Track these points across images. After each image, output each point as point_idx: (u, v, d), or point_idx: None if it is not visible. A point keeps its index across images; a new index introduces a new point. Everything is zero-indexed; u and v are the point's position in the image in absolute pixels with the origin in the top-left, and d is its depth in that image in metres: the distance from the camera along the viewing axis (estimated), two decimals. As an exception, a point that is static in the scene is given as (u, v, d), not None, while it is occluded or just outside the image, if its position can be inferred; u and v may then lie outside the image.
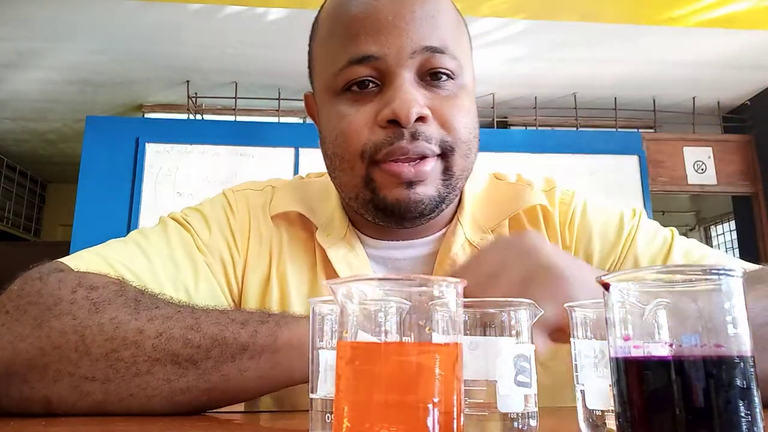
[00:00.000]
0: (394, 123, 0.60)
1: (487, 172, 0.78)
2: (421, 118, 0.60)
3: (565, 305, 0.41)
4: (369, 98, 0.62)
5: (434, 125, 0.61)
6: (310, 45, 0.70)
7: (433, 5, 0.63)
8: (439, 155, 0.62)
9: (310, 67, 0.71)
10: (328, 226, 0.70)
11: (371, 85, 0.62)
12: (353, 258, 0.68)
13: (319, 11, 0.70)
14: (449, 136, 0.62)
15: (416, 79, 0.61)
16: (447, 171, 0.63)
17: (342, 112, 0.63)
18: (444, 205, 0.65)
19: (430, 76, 0.62)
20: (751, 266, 0.65)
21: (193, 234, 0.68)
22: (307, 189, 0.75)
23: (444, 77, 0.62)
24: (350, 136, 0.62)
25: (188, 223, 0.69)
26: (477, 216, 0.72)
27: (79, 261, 0.59)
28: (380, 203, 0.63)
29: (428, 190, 0.62)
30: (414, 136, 0.60)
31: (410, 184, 0.61)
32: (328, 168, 0.68)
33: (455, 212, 0.72)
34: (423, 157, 0.61)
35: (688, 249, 0.71)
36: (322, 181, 0.77)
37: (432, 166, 0.61)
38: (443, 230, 0.71)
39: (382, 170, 0.61)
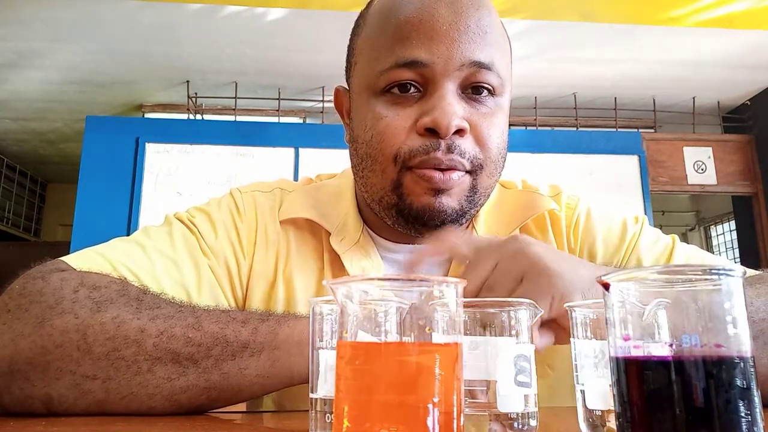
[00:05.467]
0: (432, 132, 0.60)
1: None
2: (458, 131, 0.60)
3: (565, 305, 0.41)
4: (409, 103, 0.62)
5: (470, 140, 0.61)
6: (352, 39, 0.69)
7: (487, 21, 0.62)
8: (468, 171, 0.62)
9: (348, 62, 0.70)
10: (342, 230, 0.70)
11: (412, 89, 0.61)
12: (367, 263, 0.68)
13: (367, 7, 0.69)
14: (482, 153, 0.62)
15: (458, 91, 0.61)
16: (473, 188, 0.63)
17: (380, 113, 0.62)
18: (464, 219, 0.65)
19: (472, 90, 0.62)
20: (752, 272, 0.65)
21: (198, 237, 0.67)
22: (318, 193, 0.74)
23: (485, 93, 0.62)
24: (386, 139, 0.61)
25: (194, 224, 0.68)
26: (491, 224, 0.72)
27: (80, 260, 0.59)
28: (405, 209, 0.63)
29: (452, 202, 0.62)
30: (450, 149, 0.60)
31: (437, 192, 0.61)
32: (355, 167, 0.68)
33: (471, 221, 0.72)
34: (453, 169, 0.61)
35: (689, 254, 0.72)
36: (334, 183, 0.76)
37: (460, 177, 0.61)
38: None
39: (413, 174, 0.61)
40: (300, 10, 2.88)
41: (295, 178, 3.14)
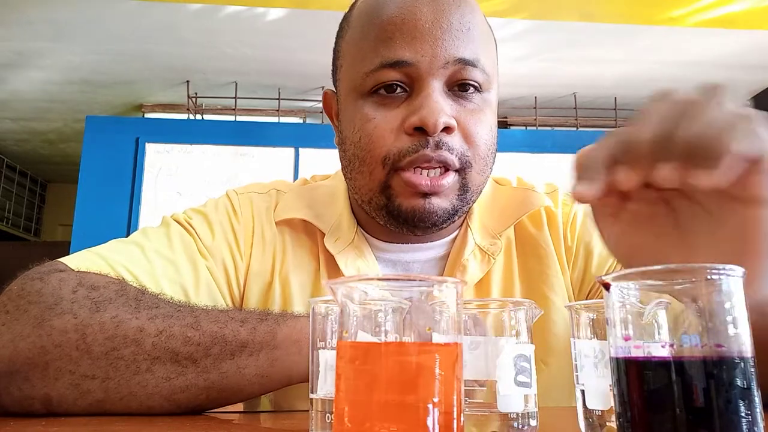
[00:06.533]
0: (420, 131, 0.60)
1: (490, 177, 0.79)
2: (446, 129, 0.60)
3: (565, 305, 0.41)
4: (396, 103, 0.62)
5: (458, 137, 0.61)
6: (337, 43, 0.70)
7: (470, 18, 0.63)
8: (457, 170, 0.62)
9: (335, 64, 0.70)
10: (336, 231, 0.70)
11: (399, 89, 0.62)
12: (362, 263, 0.68)
13: (350, 10, 0.69)
14: (470, 150, 0.62)
15: (445, 89, 0.61)
16: (463, 186, 0.63)
17: (367, 114, 0.62)
18: (456, 217, 0.65)
19: (459, 87, 0.62)
20: None
21: (196, 237, 0.68)
22: (312, 194, 0.75)
23: (472, 89, 0.62)
24: (375, 141, 0.61)
25: (191, 225, 0.69)
26: (485, 221, 0.72)
27: (79, 261, 0.59)
28: (394, 210, 0.63)
29: (443, 203, 0.62)
30: (438, 146, 0.60)
31: (426, 195, 0.61)
32: (344, 169, 0.68)
33: (465, 218, 0.72)
34: (443, 168, 0.61)
35: None
36: (328, 184, 0.77)
37: (449, 181, 0.61)
38: (453, 234, 0.72)
39: (401, 178, 0.61)
40: (300, 10, 2.88)
41: (295, 179, 3.14)
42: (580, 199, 0.36)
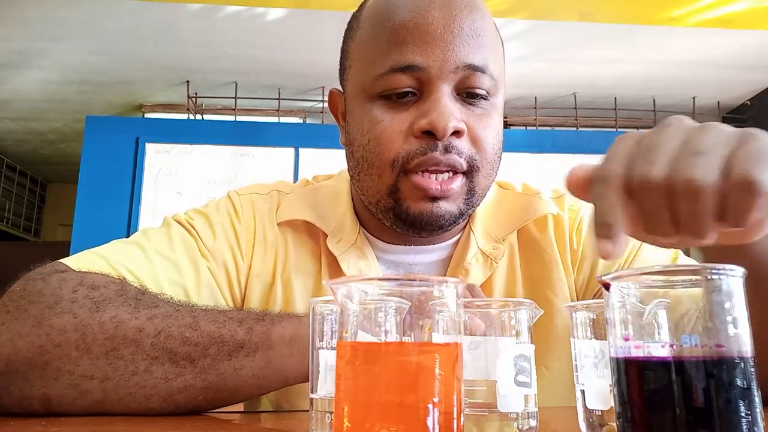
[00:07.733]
0: (429, 134, 0.60)
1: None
2: (455, 133, 0.60)
3: (565, 306, 0.41)
4: (405, 106, 0.62)
5: (466, 141, 0.62)
6: (345, 42, 0.70)
7: (480, 24, 0.63)
8: (464, 173, 0.62)
9: (342, 65, 0.70)
10: (339, 232, 0.70)
11: (409, 93, 0.62)
12: (364, 264, 0.68)
13: (360, 9, 0.69)
14: (478, 154, 0.63)
15: (453, 93, 0.62)
16: (470, 191, 0.63)
17: (376, 117, 0.62)
18: (461, 220, 0.65)
19: (467, 92, 0.62)
20: None
21: (197, 238, 0.68)
22: (315, 195, 0.75)
23: (480, 95, 0.63)
24: (384, 144, 0.62)
25: (193, 227, 0.69)
26: (488, 226, 0.72)
27: (80, 262, 0.59)
28: (402, 213, 0.63)
29: (450, 207, 0.62)
30: (447, 149, 0.60)
31: (434, 198, 0.61)
32: (351, 170, 0.68)
33: (468, 221, 0.72)
34: (452, 172, 0.61)
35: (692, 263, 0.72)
36: (331, 185, 0.77)
37: (458, 185, 0.62)
38: (456, 237, 0.72)
39: (409, 181, 0.61)
40: (300, 10, 2.87)
41: (295, 179, 3.14)
42: (606, 257, 0.34)
